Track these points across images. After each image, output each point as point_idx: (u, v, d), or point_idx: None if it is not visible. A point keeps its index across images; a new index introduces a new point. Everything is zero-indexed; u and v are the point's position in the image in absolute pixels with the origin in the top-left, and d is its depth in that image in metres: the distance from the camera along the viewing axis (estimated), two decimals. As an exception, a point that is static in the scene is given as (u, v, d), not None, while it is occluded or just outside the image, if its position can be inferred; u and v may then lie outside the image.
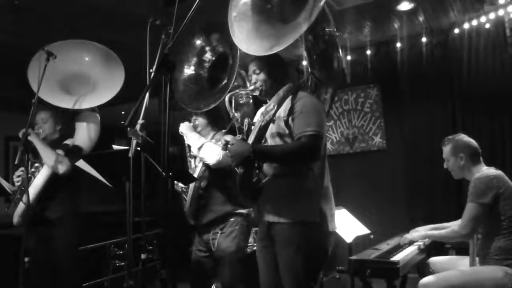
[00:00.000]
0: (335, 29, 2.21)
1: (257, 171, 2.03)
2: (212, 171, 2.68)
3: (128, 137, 2.01)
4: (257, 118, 2.13)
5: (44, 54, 2.79)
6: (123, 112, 6.30)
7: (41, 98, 2.83)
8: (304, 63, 4.47)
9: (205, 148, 2.63)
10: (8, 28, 4.04)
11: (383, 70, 5.06)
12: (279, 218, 2.00)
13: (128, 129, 1.94)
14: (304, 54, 2.21)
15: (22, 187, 2.82)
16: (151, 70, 2.10)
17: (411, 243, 3.01)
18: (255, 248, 2.39)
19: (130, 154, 2.02)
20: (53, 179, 2.83)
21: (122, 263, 4.36)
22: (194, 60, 2.77)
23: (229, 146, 2.00)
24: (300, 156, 1.96)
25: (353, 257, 2.71)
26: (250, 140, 2.02)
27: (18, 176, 2.89)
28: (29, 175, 2.75)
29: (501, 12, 4.27)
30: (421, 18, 4.47)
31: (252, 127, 2.08)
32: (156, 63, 1.95)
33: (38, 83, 2.71)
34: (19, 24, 3.99)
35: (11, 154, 6.69)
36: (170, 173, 1.61)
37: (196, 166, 2.81)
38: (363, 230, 3.54)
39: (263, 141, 2.07)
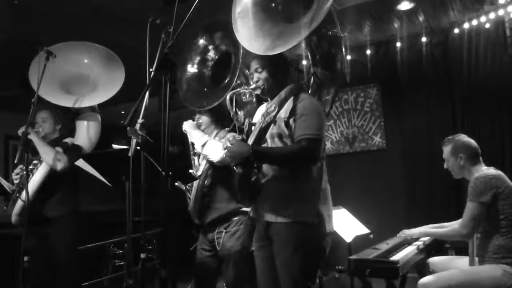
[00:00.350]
0: (340, 31, 2.20)
1: (256, 171, 2.03)
2: (216, 169, 2.67)
3: (128, 136, 2.01)
4: (257, 118, 2.13)
5: (44, 54, 2.79)
6: (123, 112, 6.30)
7: (41, 97, 2.83)
8: (304, 62, 4.50)
9: (208, 145, 2.62)
10: (8, 28, 4.03)
11: (383, 70, 5.06)
12: (277, 218, 2.00)
13: (128, 128, 1.93)
14: (306, 53, 2.21)
15: (20, 184, 2.83)
16: (151, 70, 2.10)
17: (410, 241, 3.02)
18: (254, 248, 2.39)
19: (130, 154, 2.03)
20: (52, 176, 2.83)
21: (122, 263, 4.37)
22: (198, 59, 2.77)
23: (228, 145, 2.00)
24: (299, 159, 1.97)
25: (353, 257, 2.71)
26: (250, 141, 2.02)
27: (17, 174, 2.90)
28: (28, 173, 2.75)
29: (501, 12, 4.28)
30: (421, 18, 4.47)
31: (253, 127, 2.08)
32: (156, 62, 1.95)
33: (38, 82, 2.71)
34: (19, 24, 3.99)
35: (11, 153, 6.69)
36: (170, 173, 1.61)
37: (199, 164, 2.81)
38: (362, 229, 3.54)
39: (262, 141, 2.07)
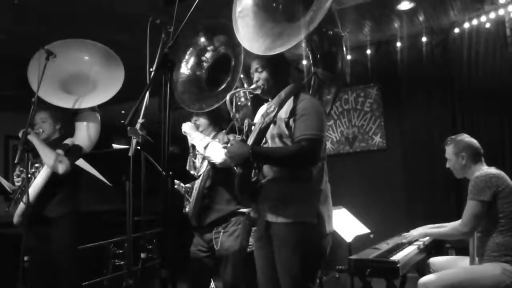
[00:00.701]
0: (340, 30, 2.20)
1: (257, 171, 2.03)
2: (217, 170, 2.68)
3: (128, 136, 2.01)
4: (258, 119, 2.13)
5: (44, 53, 2.79)
6: (123, 111, 6.30)
7: (41, 98, 2.83)
8: (305, 62, 4.49)
9: (211, 147, 2.63)
10: (8, 28, 4.03)
11: (383, 70, 5.06)
12: (277, 218, 2.00)
13: (128, 128, 1.93)
14: (307, 53, 2.21)
15: (22, 187, 2.82)
16: (151, 69, 2.10)
17: (410, 242, 3.02)
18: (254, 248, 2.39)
19: (130, 153, 2.02)
20: (53, 178, 2.84)
21: (122, 262, 4.36)
22: (192, 59, 2.78)
23: (228, 146, 2.00)
24: (299, 159, 1.96)
25: (353, 257, 2.71)
26: (250, 141, 2.01)
27: (18, 176, 2.89)
28: (29, 175, 2.75)
29: (501, 12, 4.27)
30: (421, 18, 4.47)
31: (253, 127, 2.07)
32: (156, 62, 1.95)
33: (38, 82, 2.71)
34: (19, 24, 3.99)
35: (11, 152, 6.69)
36: (170, 172, 1.61)
37: (200, 166, 2.81)
38: (362, 229, 3.54)
39: (263, 142, 2.07)
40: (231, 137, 2.04)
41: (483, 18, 4.40)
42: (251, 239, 3.71)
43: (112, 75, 3.12)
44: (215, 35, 2.74)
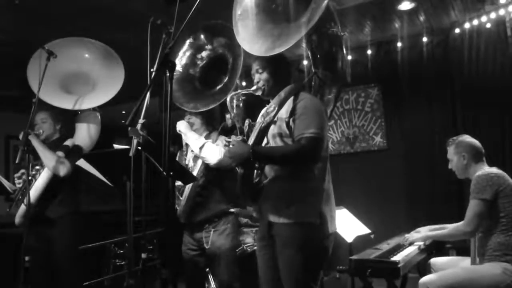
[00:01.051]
0: (340, 29, 2.20)
1: (259, 171, 2.03)
2: (211, 171, 2.71)
3: (129, 136, 2.01)
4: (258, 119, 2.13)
5: (44, 53, 2.78)
6: (124, 112, 6.30)
7: (41, 98, 2.82)
8: (305, 62, 4.49)
9: (206, 147, 2.65)
10: (8, 28, 4.03)
11: (384, 70, 5.05)
12: (279, 219, 2.00)
13: (129, 128, 1.94)
14: (307, 53, 2.21)
15: (23, 188, 2.82)
16: (152, 70, 2.10)
17: (411, 243, 3.02)
18: (255, 248, 2.39)
19: (130, 154, 2.03)
20: (54, 180, 2.84)
21: (123, 262, 4.36)
22: (186, 57, 2.79)
23: (229, 146, 2.00)
24: (299, 158, 1.96)
25: (354, 257, 2.71)
26: (250, 141, 2.02)
27: (19, 178, 2.89)
28: (30, 178, 2.76)
29: (502, 12, 4.26)
30: (421, 18, 4.46)
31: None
32: (157, 62, 1.94)
33: (39, 83, 2.71)
34: (19, 24, 3.99)
35: (11, 152, 6.69)
36: (171, 172, 1.61)
37: (194, 165, 2.81)
38: (363, 229, 3.53)
39: (264, 142, 2.07)
40: (233, 137, 2.04)
41: (483, 18, 4.39)
42: (250, 240, 3.74)
43: (112, 74, 3.11)
44: (215, 35, 2.75)
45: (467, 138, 2.82)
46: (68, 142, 2.97)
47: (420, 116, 4.88)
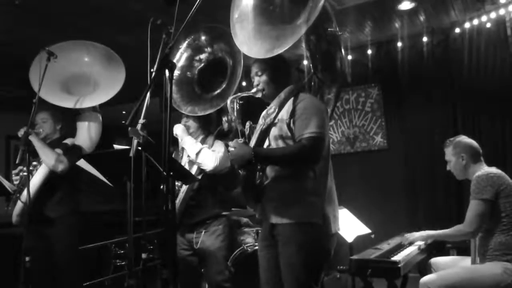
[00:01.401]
0: (337, 29, 2.20)
1: (260, 173, 2.04)
2: (205, 175, 2.74)
3: (129, 137, 2.01)
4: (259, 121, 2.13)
5: (45, 54, 2.79)
6: (124, 112, 6.31)
7: (42, 98, 2.83)
8: (305, 62, 4.48)
9: (203, 153, 2.69)
10: (8, 28, 4.03)
11: (384, 70, 5.06)
12: (282, 219, 2.00)
13: (129, 128, 1.94)
14: (306, 54, 2.20)
15: (20, 185, 2.83)
16: (152, 70, 2.10)
17: (411, 243, 3.02)
18: (255, 248, 2.39)
19: (131, 154, 2.03)
20: (52, 178, 2.84)
21: (123, 263, 4.37)
22: (184, 58, 2.78)
23: (231, 149, 2.00)
24: (300, 158, 1.96)
25: (354, 257, 2.71)
26: (252, 143, 2.02)
27: (17, 175, 2.90)
28: (27, 174, 2.76)
29: (502, 12, 4.26)
30: (422, 18, 4.46)
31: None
32: (157, 62, 1.94)
33: (39, 83, 2.71)
34: (19, 24, 3.99)
35: (12, 152, 6.69)
36: (171, 173, 1.61)
37: (190, 169, 2.82)
38: (364, 229, 3.53)
39: (266, 143, 2.07)
40: (239, 140, 2.04)
41: (483, 18, 4.39)
42: (250, 240, 3.73)
43: (113, 75, 3.12)
44: (215, 39, 2.74)
45: (465, 139, 2.82)
46: (68, 141, 2.98)
47: (420, 116, 4.88)
